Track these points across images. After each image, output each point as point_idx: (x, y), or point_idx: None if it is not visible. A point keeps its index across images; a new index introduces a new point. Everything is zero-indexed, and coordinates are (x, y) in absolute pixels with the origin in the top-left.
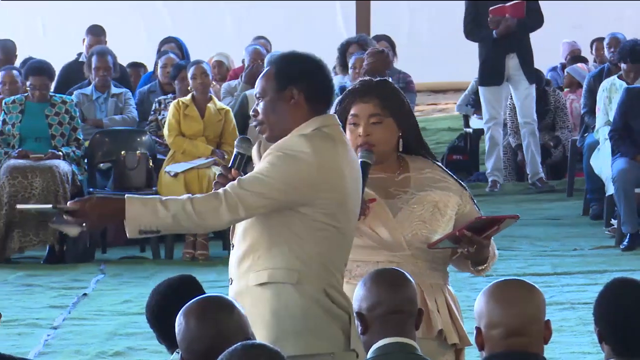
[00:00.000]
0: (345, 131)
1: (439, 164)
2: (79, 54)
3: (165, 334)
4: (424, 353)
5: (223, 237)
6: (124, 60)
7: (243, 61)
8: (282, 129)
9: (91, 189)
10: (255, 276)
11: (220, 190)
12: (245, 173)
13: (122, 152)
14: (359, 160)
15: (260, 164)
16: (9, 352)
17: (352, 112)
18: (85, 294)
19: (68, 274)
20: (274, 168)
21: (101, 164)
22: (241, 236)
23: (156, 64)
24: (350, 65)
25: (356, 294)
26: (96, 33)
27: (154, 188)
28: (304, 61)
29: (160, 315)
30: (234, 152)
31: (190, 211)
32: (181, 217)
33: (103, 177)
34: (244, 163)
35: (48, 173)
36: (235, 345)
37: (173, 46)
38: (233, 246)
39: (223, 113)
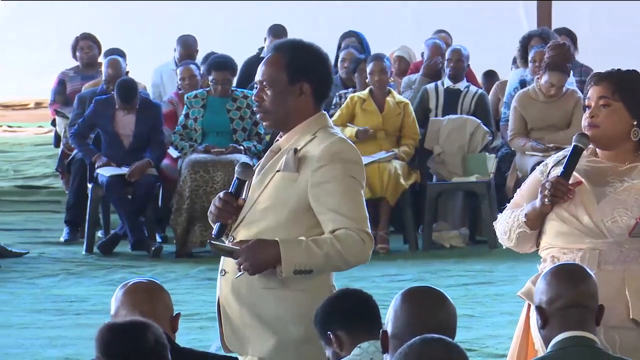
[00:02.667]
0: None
1: None
2: (260, 49)
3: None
4: (623, 342)
5: (404, 231)
6: None
7: (422, 55)
8: (285, 121)
9: None
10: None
11: (344, 231)
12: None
13: None
14: (572, 144)
15: (330, 184)
16: (190, 345)
17: (587, 95)
18: None
19: None
20: (348, 183)
21: None
22: (249, 229)
23: (337, 59)
24: (530, 58)
25: (537, 287)
26: (277, 33)
27: None
28: (315, 55)
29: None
30: (234, 179)
31: (339, 249)
32: (332, 254)
33: None
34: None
35: (229, 167)
36: (414, 339)
37: (353, 40)
38: (232, 239)
39: (402, 106)
